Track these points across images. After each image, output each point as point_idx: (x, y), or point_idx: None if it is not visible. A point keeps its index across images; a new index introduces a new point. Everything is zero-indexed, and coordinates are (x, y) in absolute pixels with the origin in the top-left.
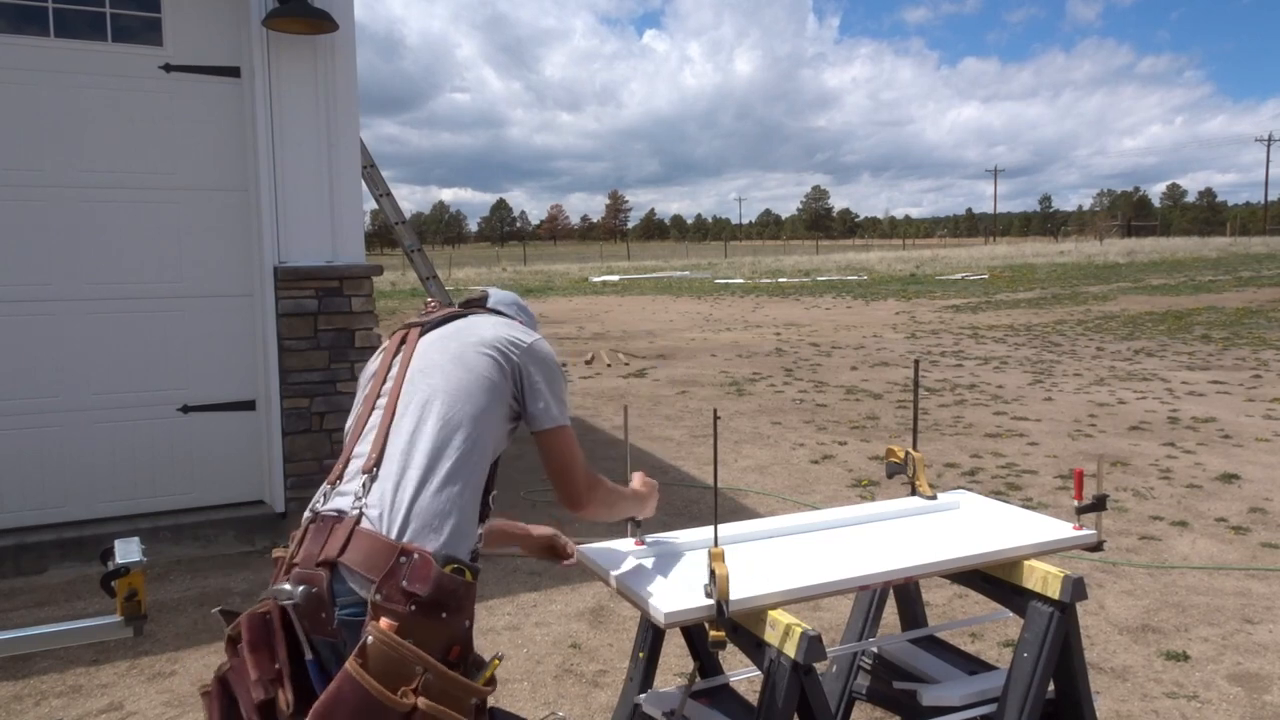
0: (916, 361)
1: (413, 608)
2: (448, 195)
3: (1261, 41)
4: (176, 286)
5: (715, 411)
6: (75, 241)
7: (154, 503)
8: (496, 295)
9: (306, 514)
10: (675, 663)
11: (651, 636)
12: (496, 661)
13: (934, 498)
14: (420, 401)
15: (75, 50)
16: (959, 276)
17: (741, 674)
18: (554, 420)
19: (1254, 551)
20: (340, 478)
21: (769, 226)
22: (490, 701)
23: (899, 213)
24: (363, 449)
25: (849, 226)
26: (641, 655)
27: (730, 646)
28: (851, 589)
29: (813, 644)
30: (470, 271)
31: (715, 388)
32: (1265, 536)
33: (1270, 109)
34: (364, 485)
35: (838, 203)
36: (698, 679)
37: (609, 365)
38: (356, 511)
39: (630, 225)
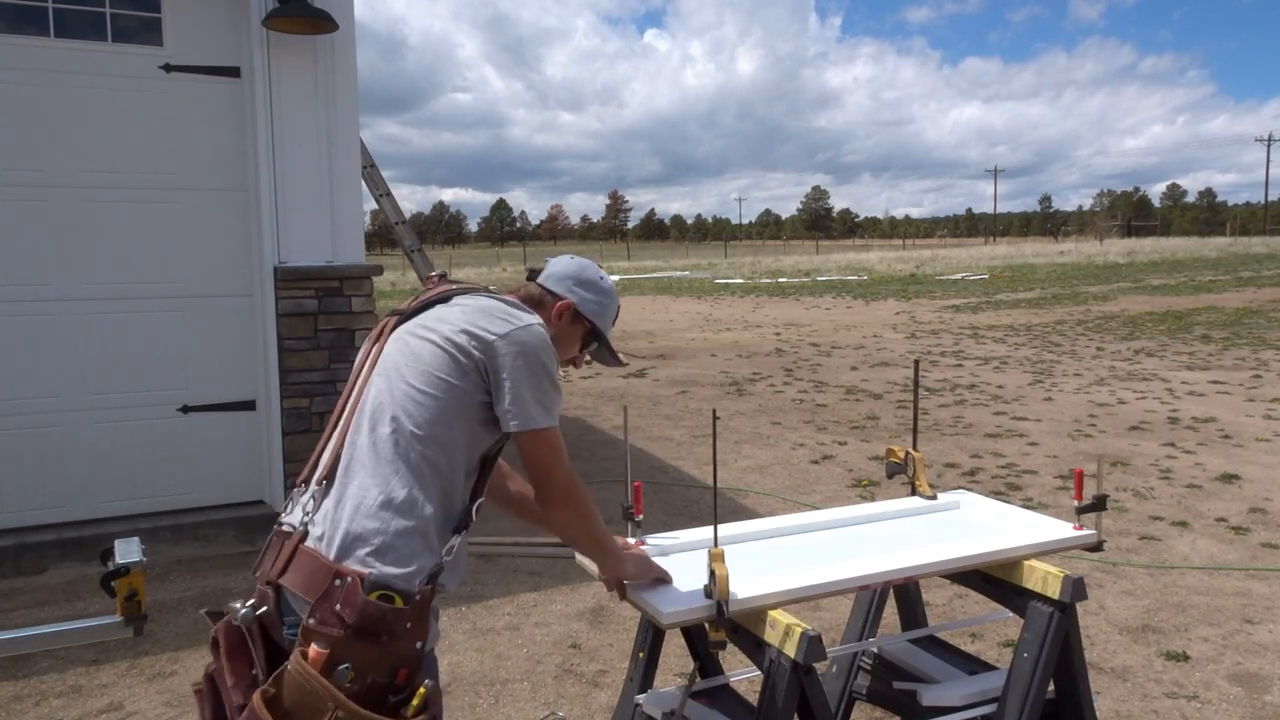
0: (916, 361)
1: (345, 631)
2: (448, 195)
3: (1264, 41)
4: (176, 286)
5: (715, 411)
6: (75, 241)
7: (154, 503)
8: (554, 267)
9: (275, 525)
10: (675, 663)
11: (651, 636)
12: (422, 690)
13: (934, 498)
14: (373, 407)
15: (75, 50)
16: (959, 276)
17: (741, 674)
18: (526, 422)
19: (1254, 551)
20: (305, 483)
21: (769, 226)
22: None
23: (899, 213)
24: (324, 456)
25: (849, 226)
26: (641, 655)
27: (730, 646)
28: (851, 589)
29: (813, 644)
30: (470, 272)
31: (715, 388)
32: (1265, 536)
33: (1272, 109)
34: (314, 498)
35: (838, 203)
36: (698, 679)
37: None
38: (303, 528)
39: (630, 225)
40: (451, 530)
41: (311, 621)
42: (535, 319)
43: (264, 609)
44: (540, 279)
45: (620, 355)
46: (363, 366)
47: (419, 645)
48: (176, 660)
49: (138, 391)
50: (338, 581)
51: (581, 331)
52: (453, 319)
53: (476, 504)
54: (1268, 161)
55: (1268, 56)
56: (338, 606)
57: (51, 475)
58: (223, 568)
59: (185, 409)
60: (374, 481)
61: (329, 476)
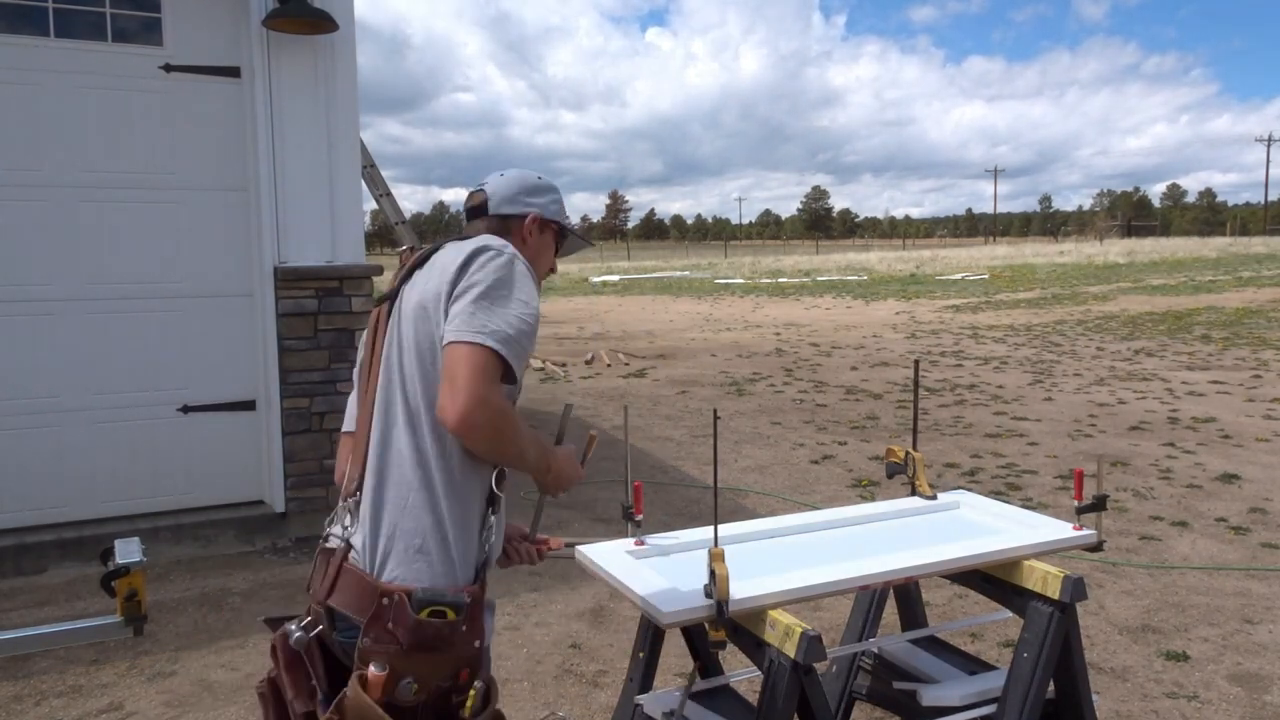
0: (916, 361)
1: (403, 648)
2: (450, 195)
3: (1268, 40)
4: (176, 286)
5: (715, 411)
6: (75, 241)
7: (154, 503)
8: (498, 190)
9: (321, 538)
10: (675, 663)
11: (651, 636)
12: (473, 691)
13: (934, 498)
14: (383, 406)
15: (75, 50)
16: (959, 276)
17: (741, 674)
18: (456, 334)
19: (1254, 551)
20: (342, 496)
21: (769, 227)
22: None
23: (899, 213)
24: (354, 466)
25: (849, 227)
26: (641, 655)
27: (730, 646)
28: (851, 589)
29: (813, 644)
30: None
31: (715, 388)
32: (1265, 536)
33: (1276, 108)
34: (350, 511)
35: (839, 203)
36: (698, 679)
37: (609, 365)
38: (344, 544)
39: (630, 225)
40: (486, 510)
41: (367, 642)
42: (508, 247)
43: (319, 628)
44: (492, 209)
45: (584, 237)
46: (369, 359)
47: (477, 645)
48: (176, 660)
49: (138, 391)
50: (385, 600)
51: (552, 235)
52: (427, 283)
53: (496, 473)
54: (1268, 161)
55: (1271, 56)
56: (390, 625)
57: (51, 475)
58: (223, 568)
59: (185, 409)
60: (403, 484)
61: (360, 488)
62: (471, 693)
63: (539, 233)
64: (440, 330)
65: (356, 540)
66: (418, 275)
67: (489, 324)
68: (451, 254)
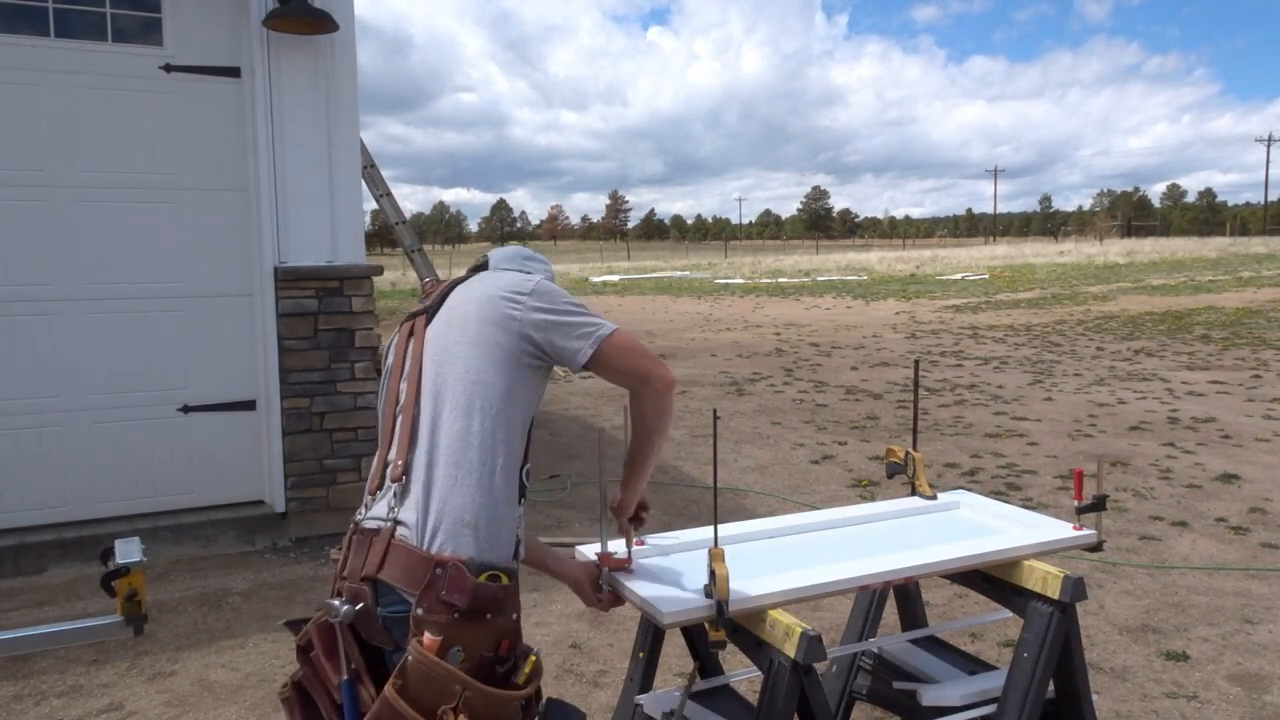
0: (916, 361)
1: (455, 616)
2: (451, 195)
3: (1271, 40)
4: (176, 286)
5: (715, 411)
6: (75, 241)
7: (154, 503)
8: (498, 254)
9: (351, 525)
10: (675, 663)
11: (651, 636)
12: (533, 659)
13: (934, 498)
14: (433, 394)
15: (75, 50)
16: (959, 276)
17: (741, 674)
18: (596, 338)
19: (1254, 551)
20: (379, 487)
21: (769, 227)
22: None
23: (899, 213)
24: (393, 454)
25: (849, 227)
26: (641, 655)
27: (730, 646)
28: (851, 589)
29: (813, 644)
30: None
31: (715, 388)
32: (1265, 536)
33: (1277, 108)
34: (396, 495)
35: (840, 203)
36: (698, 679)
37: None
38: (391, 524)
39: (630, 225)
40: (518, 499)
41: (420, 611)
42: (539, 271)
43: (362, 604)
44: (493, 265)
45: None
46: (403, 365)
47: (515, 617)
48: (176, 660)
49: (138, 391)
50: (439, 570)
51: None
52: (478, 293)
53: (525, 469)
54: (1267, 161)
55: (1274, 56)
56: (443, 593)
57: (51, 475)
58: (223, 568)
59: (185, 409)
60: (454, 463)
61: (407, 470)
62: (532, 659)
63: None
64: (518, 334)
65: (408, 517)
66: (461, 288)
67: (589, 321)
68: (490, 278)
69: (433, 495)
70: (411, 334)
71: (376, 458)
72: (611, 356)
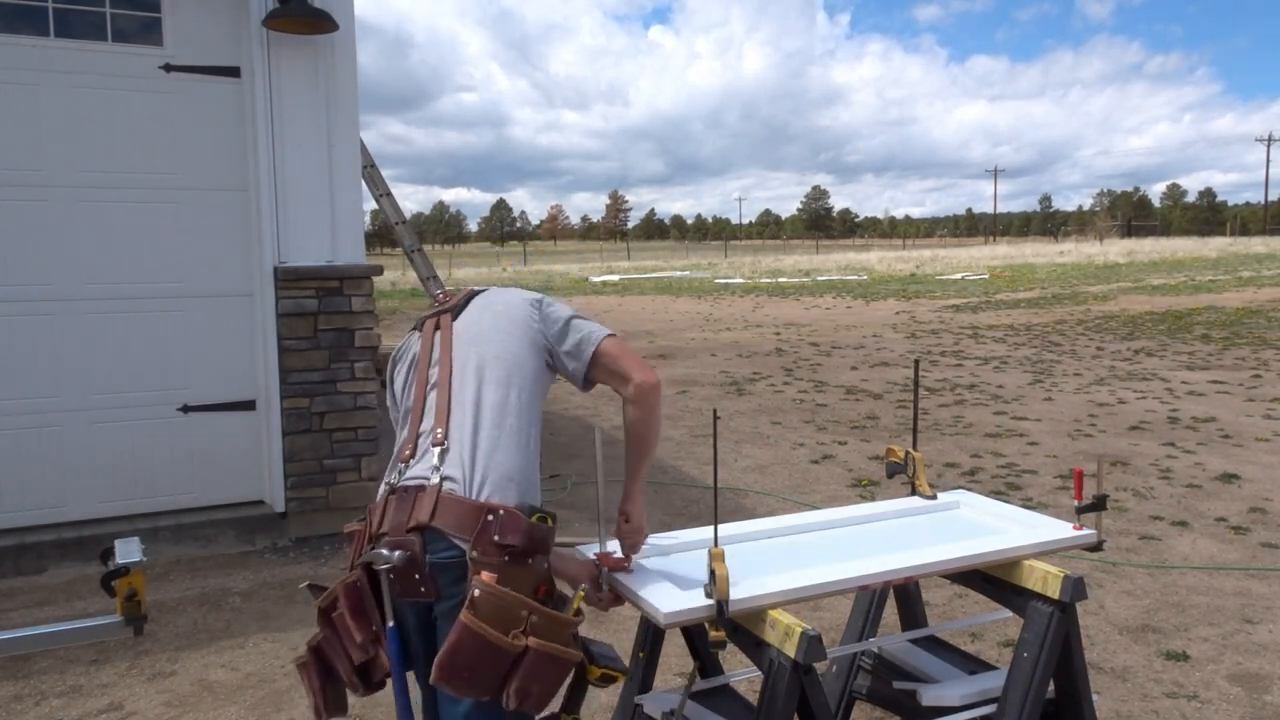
0: (916, 361)
1: (506, 558)
2: (451, 195)
3: (1274, 40)
4: (176, 286)
5: (715, 411)
6: (75, 241)
7: (154, 503)
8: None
9: (383, 489)
10: (675, 663)
11: (651, 636)
12: (581, 593)
13: (934, 497)
14: (475, 368)
15: (75, 50)
16: (959, 276)
17: (741, 674)
18: (595, 338)
19: (1254, 551)
20: (413, 454)
21: (769, 226)
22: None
23: (899, 213)
24: (427, 424)
25: (849, 226)
26: (641, 655)
27: (730, 646)
28: (851, 589)
29: (813, 644)
30: (470, 272)
31: (715, 387)
32: (1265, 536)
33: (1279, 107)
34: (440, 456)
35: (839, 202)
36: (698, 679)
37: None
38: (438, 480)
39: (630, 225)
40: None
41: (475, 553)
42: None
43: (410, 554)
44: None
45: None
46: (431, 352)
47: (546, 566)
48: (176, 660)
49: (138, 391)
50: (490, 517)
51: None
52: (509, 293)
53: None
54: (1268, 161)
55: (1276, 55)
56: (496, 537)
57: (51, 475)
58: (223, 567)
59: (185, 409)
60: (497, 426)
61: (448, 436)
62: (580, 593)
63: None
64: (540, 333)
65: (453, 473)
66: (480, 299)
67: (591, 325)
68: (506, 290)
69: (478, 454)
70: (438, 327)
71: (406, 430)
72: (603, 358)
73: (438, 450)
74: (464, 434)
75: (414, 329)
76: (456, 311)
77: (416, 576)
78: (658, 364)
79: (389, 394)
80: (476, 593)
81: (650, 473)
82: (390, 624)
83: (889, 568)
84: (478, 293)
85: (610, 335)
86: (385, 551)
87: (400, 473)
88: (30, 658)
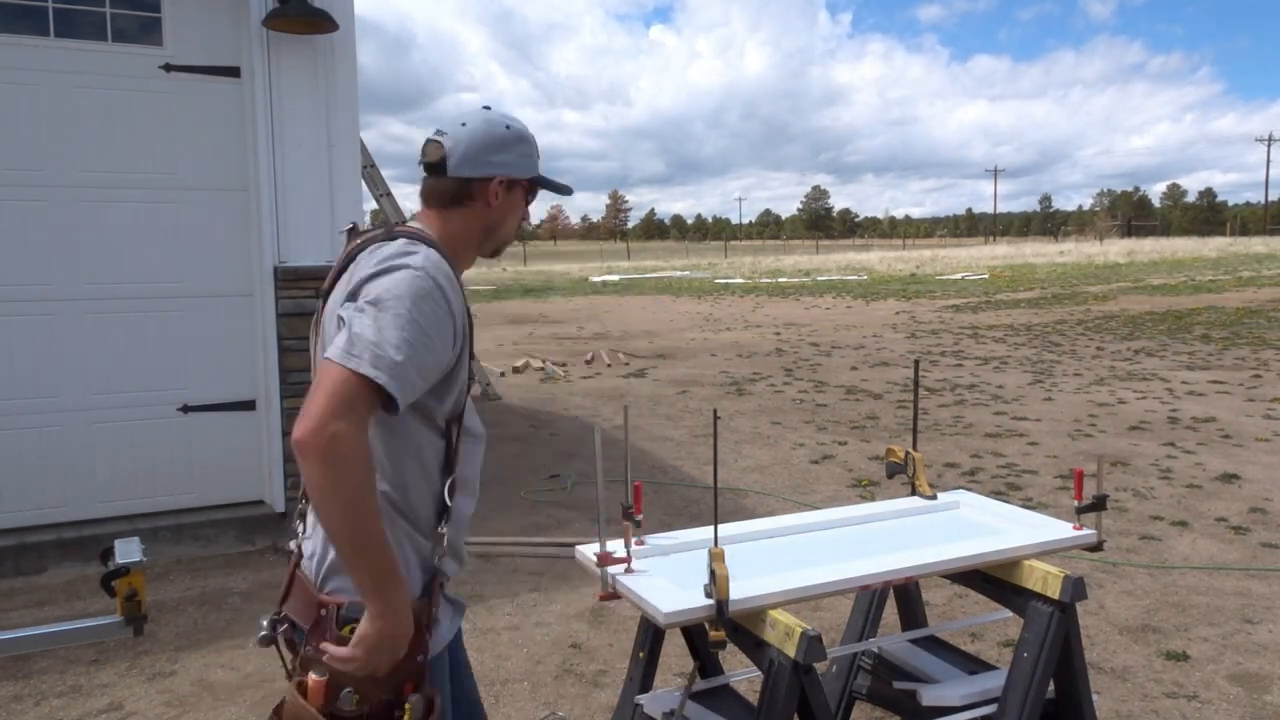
0: (916, 361)
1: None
2: None
3: (1277, 39)
4: (176, 286)
5: (715, 411)
6: (75, 241)
7: (154, 502)
8: (458, 147)
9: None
10: (675, 663)
11: (651, 636)
12: (409, 706)
13: (934, 498)
14: None
15: (75, 50)
16: (959, 276)
17: (741, 674)
18: (332, 350)
19: (1254, 551)
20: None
21: (769, 226)
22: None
23: (900, 212)
24: None
25: (849, 226)
26: (641, 655)
27: (730, 646)
28: (851, 589)
29: (813, 644)
30: (469, 272)
31: (715, 387)
32: (1265, 536)
33: None
34: (302, 515)
35: (840, 202)
36: (698, 679)
37: (609, 365)
38: (298, 548)
39: (630, 225)
40: (435, 520)
41: (308, 649)
42: (417, 257)
43: (282, 629)
44: (451, 170)
45: (562, 182)
46: (315, 339)
47: (420, 659)
48: (176, 660)
49: (138, 391)
50: (323, 612)
51: (521, 192)
52: (344, 285)
53: (449, 482)
54: (1268, 160)
55: (1278, 55)
56: (328, 635)
57: (51, 475)
58: (223, 568)
59: (185, 409)
60: None
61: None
62: (407, 706)
63: (505, 194)
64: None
65: (306, 547)
66: (345, 275)
67: (367, 344)
68: (365, 264)
69: (319, 526)
70: (317, 323)
71: None
72: (319, 379)
73: (303, 506)
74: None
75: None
76: (325, 296)
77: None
78: (658, 364)
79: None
80: (286, 699)
81: (650, 473)
82: (296, 678)
83: (889, 568)
84: (345, 267)
85: (347, 360)
86: (263, 622)
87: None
88: (30, 658)
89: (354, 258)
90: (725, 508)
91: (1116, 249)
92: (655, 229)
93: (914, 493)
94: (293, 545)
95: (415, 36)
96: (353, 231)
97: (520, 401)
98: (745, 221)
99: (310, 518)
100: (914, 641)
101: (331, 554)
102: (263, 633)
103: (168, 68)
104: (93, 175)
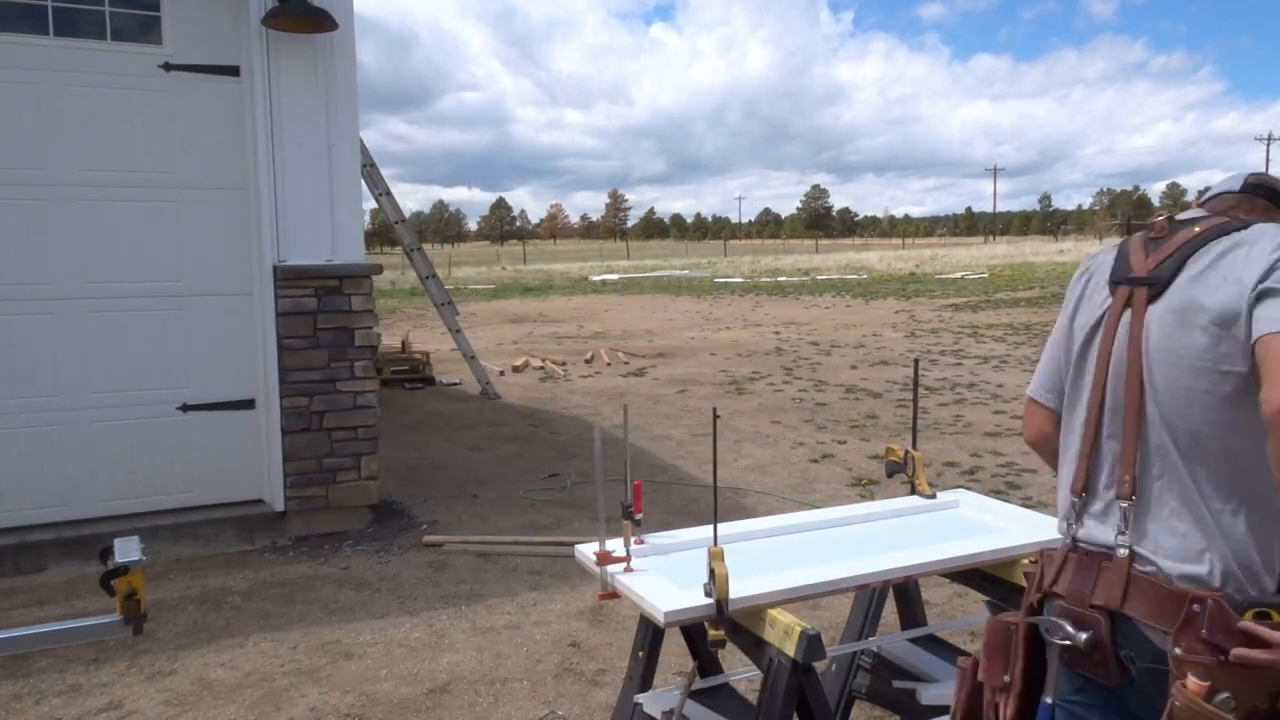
0: (916, 360)
1: (1222, 658)
2: (451, 194)
3: (1278, 39)
4: (176, 286)
5: (715, 410)
6: (75, 241)
7: (153, 502)
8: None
9: (1063, 537)
10: (675, 662)
11: (651, 636)
12: None
13: (933, 497)
14: (1134, 411)
15: (75, 50)
16: (959, 275)
17: (741, 674)
18: (1273, 325)
19: None
20: (1086, 490)
21: (768, 226)
22: None
23: (900, 212)
24: (1104, 460)
25: (848, 225)
26: (641, 654)
27: (730, 646)
28: (851, 588)
29: (812, 643)
30: (469, 271)
31: (715, 386)
32: None
33: None
34: (1124, 516)
35: (840, 201)
36: (697, 678)
37: (609, 364)
38: (1125, 552)
39: (630, 224)
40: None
41: (1178, 651)
42: None
43: (1095, 636)
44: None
45: None
46: (1111, 343)
47: None
48: (176, 659)
49: (138, 391)
50: (1195, 607)
51: None
52: (1212, 283)
53: None
54: (1267, 160)
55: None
56: (1204, 632)
57: (51, 474)
58: (222, 566)
59: (185, 408)
60: (1190, 503)
61: (1134, 490)
62: None
63: None
64: (1236, 339)
65: (1145, 552)
66: (1189, 269)
67: None
68: (1244, 256)
69: (1179, 531)
70: (1129, 305)
71: (1077, 451)
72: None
73: (1123, 506)
74: (1156, 493)
75: (1107, 256)
76: (1149, 284)
77: (1098, 659)
78: (657, 363)
79: (1063, 321)
80: (1176, 704)
81: (650, 472)
82: (1047, 700)
83: (888, 567)
84: (1188, 255)
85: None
86: (1069, 628)
87: (1076, 514)
88: (30, 657)
89: (1196, 250)
90: (725, 507)
91: None
92: (655, 228)
93: (913, 492)
94: (1096, 546)
95: (416, 35)
96: (1169, 221)
97: (520, 401)
98: (745, 221)
99: (1143, 526)
100: (913, 640)
101: (1195, 551)
102: (1084, 637)
103: (167, 67)
104: (92, 174)
